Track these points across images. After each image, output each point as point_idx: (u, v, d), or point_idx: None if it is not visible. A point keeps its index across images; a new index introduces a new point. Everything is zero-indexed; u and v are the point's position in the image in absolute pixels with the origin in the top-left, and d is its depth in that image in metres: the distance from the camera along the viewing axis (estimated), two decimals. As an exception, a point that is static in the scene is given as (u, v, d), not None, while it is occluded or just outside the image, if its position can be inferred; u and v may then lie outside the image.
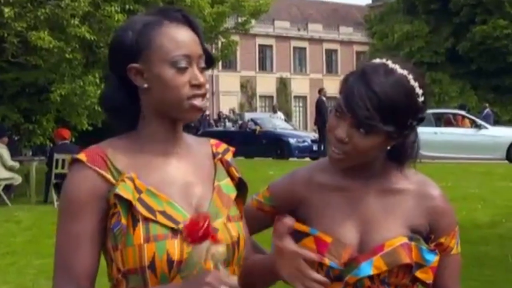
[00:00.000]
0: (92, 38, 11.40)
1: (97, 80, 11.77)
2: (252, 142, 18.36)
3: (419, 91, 1.46)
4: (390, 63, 1.47)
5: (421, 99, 1.47)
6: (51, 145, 13.28)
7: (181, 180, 1.38)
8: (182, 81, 1.36)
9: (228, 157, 1.50)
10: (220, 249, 1.27)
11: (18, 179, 10.91)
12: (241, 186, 1.48)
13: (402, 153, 1.53)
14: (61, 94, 11.49)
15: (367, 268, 1.47)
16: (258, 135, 18.96)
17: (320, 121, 17.64)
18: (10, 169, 10.74)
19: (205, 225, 1.24)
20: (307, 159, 17.82)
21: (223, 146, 1.52)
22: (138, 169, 1.35)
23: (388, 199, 1.54)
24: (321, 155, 16.96)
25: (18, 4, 11.08)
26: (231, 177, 1.47)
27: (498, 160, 15.22)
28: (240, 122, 21.60)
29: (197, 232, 1.24)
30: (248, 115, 23.61)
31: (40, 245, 7.30)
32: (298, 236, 1.52)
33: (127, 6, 11.74)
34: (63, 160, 10.40)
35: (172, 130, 1.41)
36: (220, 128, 23.28)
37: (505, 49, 28.86)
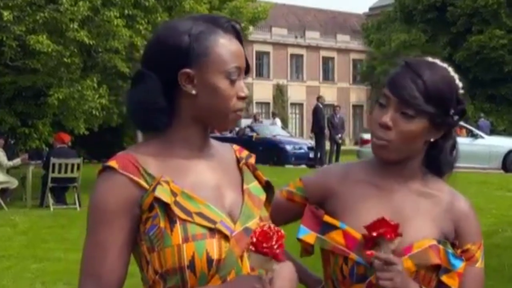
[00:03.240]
0: (91, 43, 11.40)
1: (95, 85, 11.78)
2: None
3: (458, 83, 1.55)
4: (430, 58, 1.57)
5: (460, 91, 1.55)
6: (47, 149, 13.26)
7: (212, 183, 1.39)
8: (232, 93, 1.38)
9: (252, 162, 1.52)
10: (274, 267, 1.27)
11: (14, 183, 10.88)
12: (268, 189, 1.50)
13: (437, 161, 1.57)
14: (59, 98, 11.47)
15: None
16: (255, 142, 18.96)
17: (317, 127, 17.66)
18: (12, 167, 10.76)
19: (276, 245, 1.25)
20: (304, 166, 17.83)
21: (245, 152, 1.54)
22: (170, 173, 1.35)
23: (420, 201, 1.56)
24: (317, 163, 16.97)
25: (17, 7, 11.07)
26: (258, 180, 1.49)
27: (494, 170, 15.26)
28: (237, 129, 21.56)
29: (265, 247, 1.24)
30: (244, 122, 23.59)
31: (36, 250, 7.28)
32: (326, 229, 1.54)
33: (126, 11, 11.75)
34: (60, 164, 10.39)
35: (204, 135, 1.43)
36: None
37: (501, 59, 28.95)
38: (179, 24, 1.40)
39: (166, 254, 1.30)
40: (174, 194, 1.33)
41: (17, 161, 10.95)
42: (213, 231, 1.32)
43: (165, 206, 1.31)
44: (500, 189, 11.47)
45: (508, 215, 8.75)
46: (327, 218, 1.55)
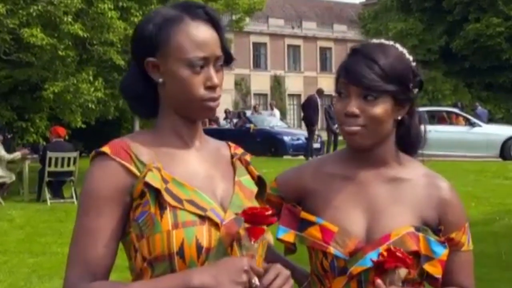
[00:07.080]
0: (85, 35, 11.35)
1: (91, 78, 11.73)
2: (246, 140, 18.32)
3: (409, 56, 1.56)
4: (374, 40, 1.59)
5: (413, 63, 1.56)
6: (44, 143, 13.23)
7: (204, 172, 1.39)
8: (197, 82, 1.35)
9: (246, 158, 1.51)
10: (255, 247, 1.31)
11: (11, 177, 10.86)
12: (260, 184, 1.49)
13: (409, 137, 1.58)
14: (54, 92, 11.44)
15: (374, 258, 1.45)
16: (252, 133, 18.93)
17: (307, 118, 17.56)
18: (11, 161, 10.75)
19: (268, 214, 1.30)
20: (301, 157, 17.80)
21: (241, 149, 1.54)
22: (161, 161, 1.35)
23: (396, 188, 1.55)
24: (308, 152, 16.87)
25: (10, 0, 11.01)
26: (251, 175, 1.48)
27: (492, 158, 15.26)
28: (234, 120, 21.53)
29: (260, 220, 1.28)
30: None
31: (33, 244, 7.26)
32: (303, 225, 1.54)
33: (120, 3, 11.69)
34: (56, 158, 10.36)
35: (189, 125, 1.42)
36: (215, 126, 23.33)
37: (499, 47, 28.91)
38: (152, 13, 1.43)
39: (156, 240, 1.29)
40: (165, 181, 1.33)
41: (17, 154, 10.93)
42: (204, 218, 1.31)
43: (156, 193, 1.31)
44: (498, 177, 11.47)
45: (506, 203, 8.75)
46: (304, 215, 1.55)
